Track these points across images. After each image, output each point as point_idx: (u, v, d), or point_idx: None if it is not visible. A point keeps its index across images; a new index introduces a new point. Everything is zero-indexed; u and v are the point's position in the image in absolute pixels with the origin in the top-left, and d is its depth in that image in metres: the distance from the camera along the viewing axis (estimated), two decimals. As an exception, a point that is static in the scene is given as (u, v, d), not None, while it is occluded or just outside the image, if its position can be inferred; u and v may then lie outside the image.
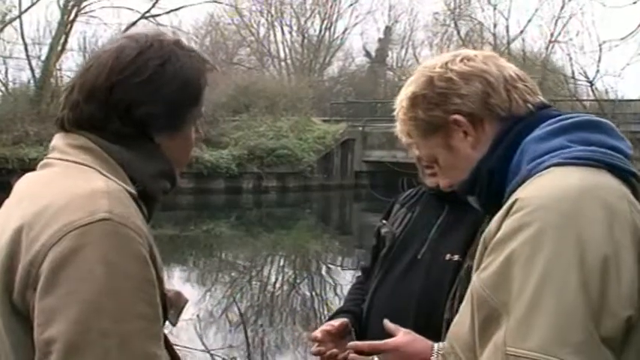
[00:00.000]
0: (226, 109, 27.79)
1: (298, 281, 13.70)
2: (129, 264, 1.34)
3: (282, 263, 15.94)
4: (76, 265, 1.30)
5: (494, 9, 28.90)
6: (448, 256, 2.20)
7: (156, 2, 28.79)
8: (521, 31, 29.45)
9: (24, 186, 1.53)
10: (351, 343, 2.15)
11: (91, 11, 28.21)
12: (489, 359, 1.27)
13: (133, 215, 1.40)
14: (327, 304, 11.61)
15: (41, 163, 1.56)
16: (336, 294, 12.16)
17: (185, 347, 7.15)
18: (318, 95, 33.56)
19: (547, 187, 1.32)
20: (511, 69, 1.60)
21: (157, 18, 28.56)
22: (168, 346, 1.59)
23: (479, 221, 2.07)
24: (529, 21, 31.65)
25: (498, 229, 1.33)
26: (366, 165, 28.88)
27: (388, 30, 43.02)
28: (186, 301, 1.62)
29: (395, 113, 1.71)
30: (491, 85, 1.55)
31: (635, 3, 10.07)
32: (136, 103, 1.49)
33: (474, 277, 1.36)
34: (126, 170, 1.49)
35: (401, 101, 1.67)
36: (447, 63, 1.60)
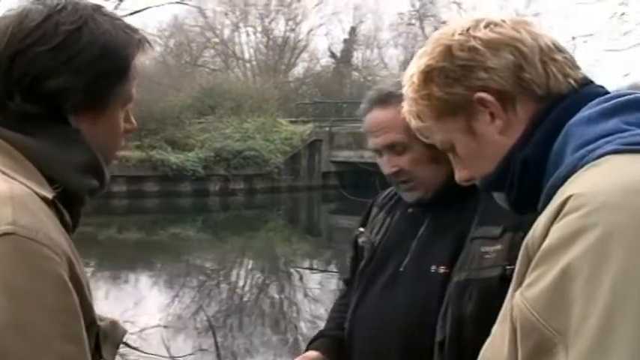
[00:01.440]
0: (191, 111, 27.55)
1: (267, 284, 13.63)
2: (41, 291, 1.07)
3: (250, 266, 15.85)
4: None
5: (459, 8, 29.09)
6: (433, 268, 1.98)
7: (119, 3, 28.51)
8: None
9: None
10: None
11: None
12: None
13: (46, 226, 1.13)
14: (296, 307, 11.58)
15: None
16: (305, 296, 12.13)
17: (152, 354, 7.06)
18: (283, 96, 33.44)
19: (608, 181, 1.04)
20: (546, 37, 1.31)
21: (120, 20, 28.25)
22: None
23: (466, 227, 1.92)
24: (493, 20, 31.91)
25: (546, 233, 1.06)
26: (334, 165, 28.79)
27: (353, 30, 43.05)
28: (124, 333, 1.35)
29: (403, 90, 1.42)
30: (525, 57, 1.27)
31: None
32: (43, 75, 1.23)
33: (516, 296, 1.08)
34: (39, 167, 1.23)
35: (411, 76, 1.37)
36: (468, 29, 1.31)
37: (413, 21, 35.51)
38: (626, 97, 1.19)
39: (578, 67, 1.31)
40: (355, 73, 41.54)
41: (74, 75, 1.25)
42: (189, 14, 38.84)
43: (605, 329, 0.94)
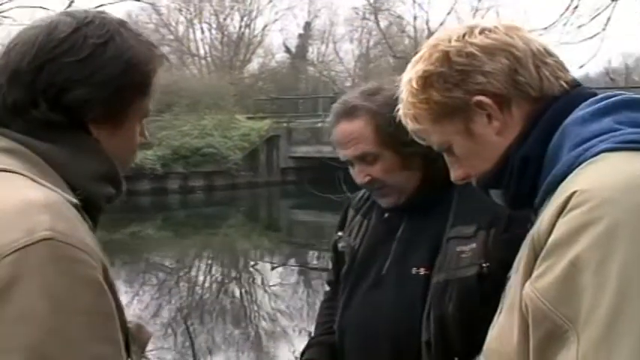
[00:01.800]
0: (148, 109, 27.32)
1: (228, 281, 13.63)
2: (79, 295, 1.08)
3: (211, 263, 15.82)
4: (12, 301, 1.04)
5: (414, 2, 29.26)
6: (414, 270, 2.02)
7: (72, 2, 28.17)
8: (441, 24, 29.91)
9: None
10: None
11: (4, 11, 27.44)
12: None
13: (81, 232, 1.15)
14: (257, 302, 11.60)
15: None
16: (265, 291, 12.15)
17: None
18: (240, 92, 33.32)
19: (608, 178, 1.11)
20: (537, 42, 1.38)
21: (73, 18, 27.85)
22: None
23: (441, 228, 1.97)
24: (448, 13, 32.25)
25: (552, 228, 1.12)
26: (292, 161, 28.82)
27: (308, 25, 43.07)
28: (149, 336, 1.36)
29: (400, 95, 1.46)
30: (519, 61, 1.33)
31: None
32: (68, 86, 1.25)
33: (526, 286, 1.14)
34: (62, 174, 1.24)
35: (409, 81, 1.42)
36: (464, 36, 1.37)
37: (367, 15, 35.59)
38: (615, 98, 1.26)
39: (567, 70, 1.38)
40: (311, 68, 41.56)
41: (96, 88, 1.27)
42: (143, 11, 38.46)
43: (614, 317, 1.00)
